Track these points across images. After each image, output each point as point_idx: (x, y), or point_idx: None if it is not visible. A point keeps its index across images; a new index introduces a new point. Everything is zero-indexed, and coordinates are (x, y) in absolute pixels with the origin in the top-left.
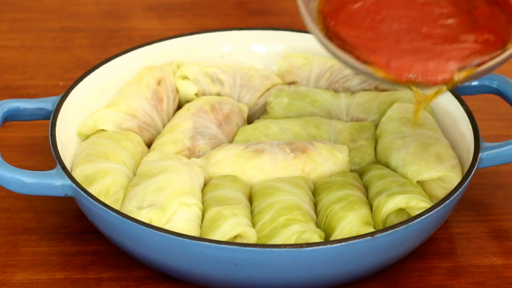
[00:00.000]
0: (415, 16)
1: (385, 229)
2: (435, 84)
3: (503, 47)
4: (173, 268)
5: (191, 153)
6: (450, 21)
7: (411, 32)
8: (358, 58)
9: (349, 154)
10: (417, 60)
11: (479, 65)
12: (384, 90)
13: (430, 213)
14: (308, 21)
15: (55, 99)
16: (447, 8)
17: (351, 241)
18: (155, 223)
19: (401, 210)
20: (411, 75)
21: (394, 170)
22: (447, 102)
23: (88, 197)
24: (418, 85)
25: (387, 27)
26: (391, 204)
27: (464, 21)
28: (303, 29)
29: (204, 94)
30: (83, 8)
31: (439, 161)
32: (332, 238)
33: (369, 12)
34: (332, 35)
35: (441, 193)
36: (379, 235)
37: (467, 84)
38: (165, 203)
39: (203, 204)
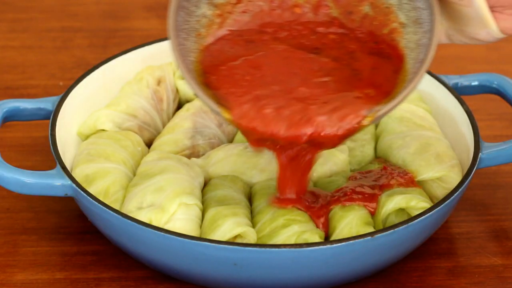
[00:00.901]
0: (294, 72)
1: (385, 229)
2: (291, 142)
3: (385, 98)
4: (173, 268)
5: (191, 153)
6: (328, 78)
7: (284, 90)
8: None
9: (349, 154)
10: (275, 118)
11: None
12: None
13: (430, 213)
14: (185, 72)
15: (55, 99)
16: (327, 63)
17: (351, 241)
18: (155, 223)
19: (401, 210)
20: (260, 127)
21: None
22: (447, 102)
23: (88, 197)
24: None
25: (264, 83)
26: (391, 204)
27: (344, 77)
28: None
29: None
30: (83, 8)
31: (439, 161)
32: (332, 238)
33: (250, 69)
34: (213, 88)
35: (441, 193)
36: (379, 235)
37: (467, 84)
38: (165, 203)
39: (203, 204)
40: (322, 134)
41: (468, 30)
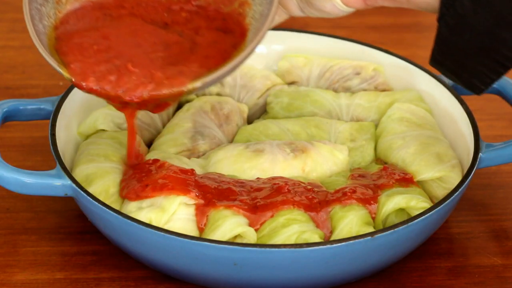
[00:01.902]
0: (138, 44)
1: (385, 229)
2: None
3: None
4: (173, 268)
5: (191, 153)
6: (165, 52)
7: (123, 59)
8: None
9: (349, 154)
10: (108, 75)
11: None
12: (384, 90)
13: (430, 213)
14: (31, 33)
15: (55, 99)
16: (171, 38)
17: (351, 241)
18: (155, 223)
19: (401, 210)
20: (95, 85)
21: None
22: (447, 102)
23: (88, 197)
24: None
25: (107, 52)
26: (391, 204)
27: (181, 51)
28: (303, 29)
29: (204, 94)
30: None
31: (439, 161)
32: (332, 238)
33: (99, 39)
34: (61, 54)
35: (441, 193)
36: (379, 235)
37: None
38: (165, 203)
39: None
40: (144, 96)
41: (316, 2)
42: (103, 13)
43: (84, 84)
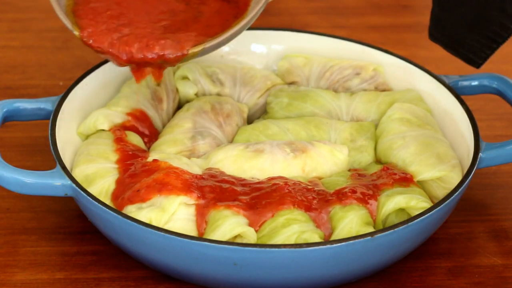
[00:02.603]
0: (147, 12)
1: (385, 229)
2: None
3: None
4: (173, 268)
5: (191, 153)
6: (170, 20)
7: (132, 25)
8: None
9: (349, 154)
10: (115, 37)
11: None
12: (384, 90)
13: (430, 213)
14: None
15: (55, 99)
16: (178, 7)
17: (351, 241)
18: (155, 223)
19: (401, 210)
20: (104, 45)
21: None
22: (447, 102)
23: (88, 197)
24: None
25: (118, 17)
26: (391, 204)
27: (186, 19)
28: (303, 29)
29: (204, 94)
30: None
31: (439, 161)
32: (332, 238)
33: (113, 4)
34: (77, 17)
35: (441, 193)
36: (379, 235)
37: (467, 84)
38: (165, 203)
39: None
40: (147, 58)
41: None
42: None
43: (86, 40)
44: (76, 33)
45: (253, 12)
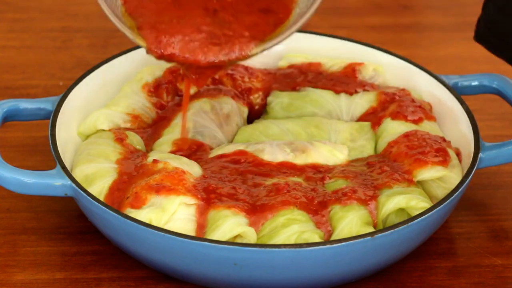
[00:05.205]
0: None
1: (385, 229)
2: (197, 63)
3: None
4: (173, 268)
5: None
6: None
7: (194, 30)
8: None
9: (349, 154)
10: (183, 41)
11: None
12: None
13: (430, 213)
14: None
15: (55, 99)
16: (224, 19)
17: (351, 241)
18: (155, 223)
19: (401, 210)
20: (170, 50)
21: None
22: (447, 102)
23: (88, 197)
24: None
25: (180, 21)
26: (391, 204)
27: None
28: (303, 29)
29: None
30: (83, 8)
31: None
32: (332, 238)
33: (171, 6)
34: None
35: (441, 193)
36: (379, 235)
37: (467, 84)
38: (165, 203)
39: None
40: (216, 61)
41: None
42: None
43: (156, 50)
44: (143, 44)
45: (309, 13)
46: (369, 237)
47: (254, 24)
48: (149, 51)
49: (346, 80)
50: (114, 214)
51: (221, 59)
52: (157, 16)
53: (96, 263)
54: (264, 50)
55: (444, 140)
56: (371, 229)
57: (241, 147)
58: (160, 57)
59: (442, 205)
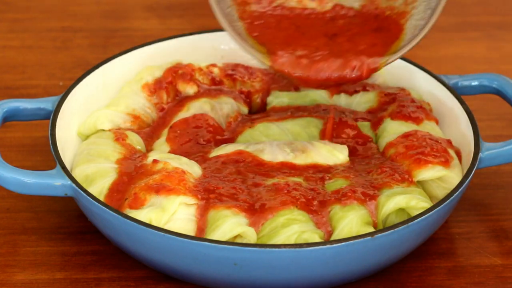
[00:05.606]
0: (321, 26)
1: (385, 229)
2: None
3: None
4: (173, 268)
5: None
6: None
7: (316, 48)
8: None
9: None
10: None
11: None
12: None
13: (430, 213)
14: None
15: (55, 99)
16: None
17: (351, 241)
18: (155, 223)
19: (401, 210)
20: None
21: None
22: (447, 102)
23: (88, 197)
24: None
25: (301, 39)
26: (391, 204)
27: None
28: None
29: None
30: (83, 8)
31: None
32: (332, 238)
33: (292, 26)
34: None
35: (441, 193)
36: (379, 235)
37: (467, 84)
38: (165, 203)
39: None
40: (347, 77)
41: None
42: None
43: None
44: (268, 64)
45: (425, 30)
46: (369, 237)
47: (372, 44)
48: (289, 76)
49: None
50: (114, 214)
51: (349, 76)
52: (286, 44)
53: (96, 263)
54: (388, 63)
55: (444, 140)
56: (371, 229)
57: (241, 147)
58: (301, 80)
59: (442, 205)
